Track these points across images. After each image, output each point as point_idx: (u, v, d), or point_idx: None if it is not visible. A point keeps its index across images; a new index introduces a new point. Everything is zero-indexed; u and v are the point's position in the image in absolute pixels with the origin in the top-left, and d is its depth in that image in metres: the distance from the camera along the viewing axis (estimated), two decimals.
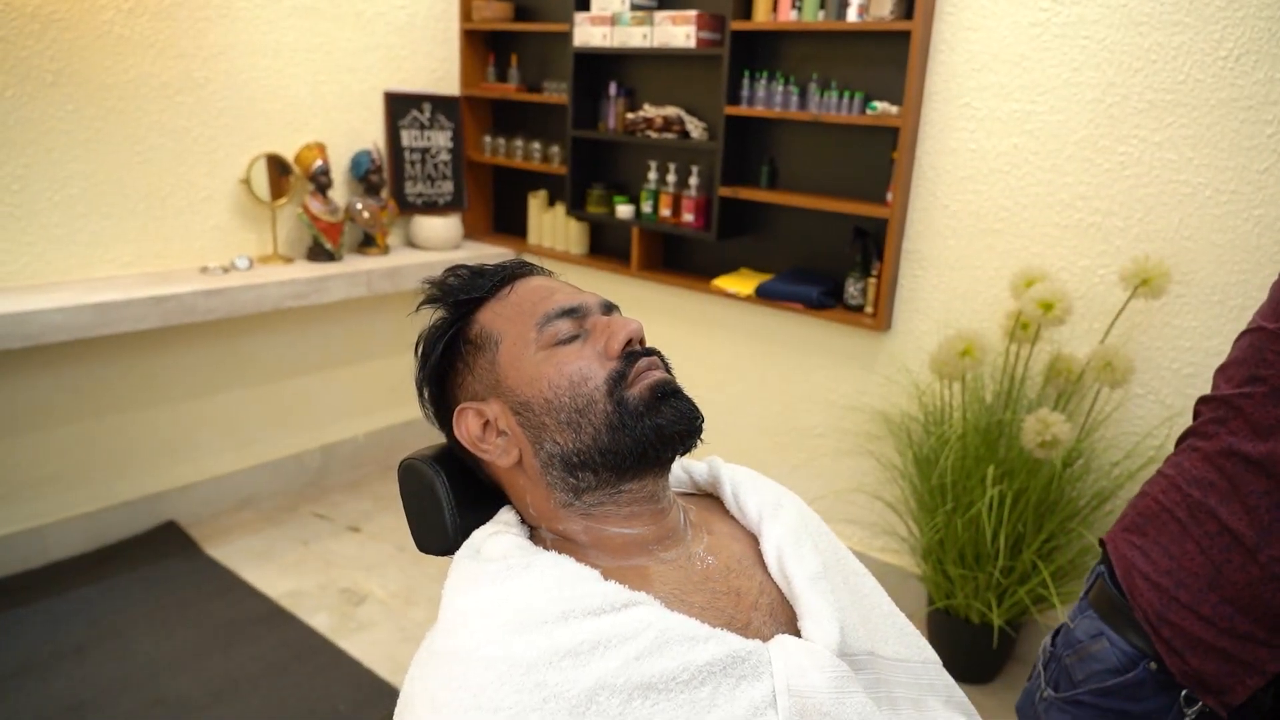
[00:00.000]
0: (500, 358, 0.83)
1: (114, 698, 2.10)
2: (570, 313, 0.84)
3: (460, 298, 0.87)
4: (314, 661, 2.30)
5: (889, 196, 2.47)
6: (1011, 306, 2.22)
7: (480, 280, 0.89)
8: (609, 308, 0.89)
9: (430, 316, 0.90)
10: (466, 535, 0.85)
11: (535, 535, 0.85)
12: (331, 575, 2.70)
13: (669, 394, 0.81)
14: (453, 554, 0.85)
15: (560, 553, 0.79)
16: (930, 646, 0.94)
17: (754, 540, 0.89)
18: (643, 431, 0.79)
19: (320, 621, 2.46)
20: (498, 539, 0.79)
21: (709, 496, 0.97)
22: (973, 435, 2.24)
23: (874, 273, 2.55)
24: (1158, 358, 2.16)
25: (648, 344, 0.87)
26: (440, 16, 3.33)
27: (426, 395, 0.90)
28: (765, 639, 0.77)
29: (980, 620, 2.23)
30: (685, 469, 0.99)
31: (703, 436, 0.83)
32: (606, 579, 0.75)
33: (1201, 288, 2.07)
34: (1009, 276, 2.24)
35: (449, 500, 0.87)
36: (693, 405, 0.83)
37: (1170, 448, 2.14)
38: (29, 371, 2.51)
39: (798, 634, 0.79)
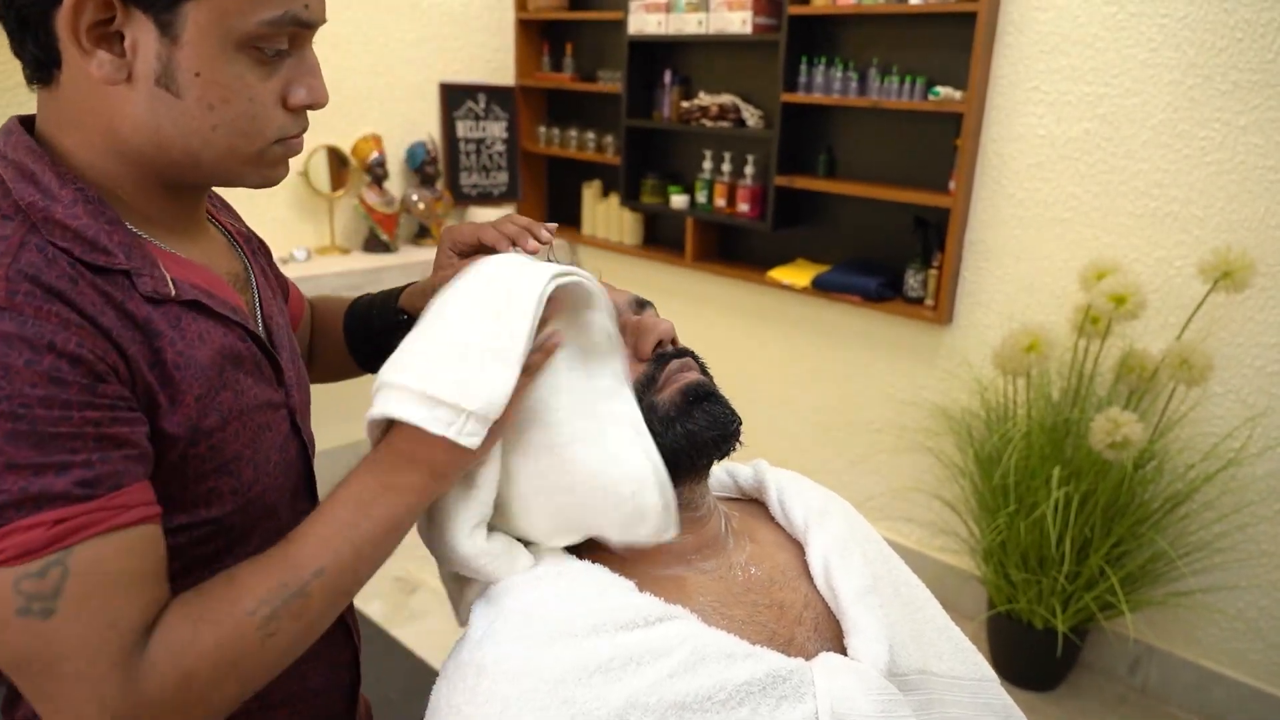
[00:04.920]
0: None
1: None
2: None
3: None
4: (367, 649, 2.31)
5: (951, 185, 2.38)
6: (1080, 300, 2.12)
7: None
8: (640, 305, 0.86)
9: None
10: None
11: None
12: (385, 564, 2.73)
13: (702, 397, 0.78)
14: None
15: (594, 561, 0.76)
16: (987, 663, 0.89)
17: (800, 549, 0.85)
18: (674, 439, 0.75)
19: (374, 610, 2.49)
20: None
21: (754, 502, 0.93)
22: (1038, 434, 2.15)
23: (935, 264, 2.47)
24: (1240, 354, 2.04)
25: (685, 340, 0.83)
26: (495, 6, 3.32)
27: None
28: (809, 656, 0.73)
29: (1044, 626, 2.15)
30: (729, 473, 0.96)
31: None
32: (642, 590, 0.72)
33: None
34: (1078, 268, 2.14)
35: None
36: (728, 409, 0.79)
37: (1252, 449, 2.03)
38: None
39: (844, 651, 0.76)
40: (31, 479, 0.54)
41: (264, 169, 0.69)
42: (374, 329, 0.97)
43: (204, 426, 0.66)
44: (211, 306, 0.68)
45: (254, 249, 0.85)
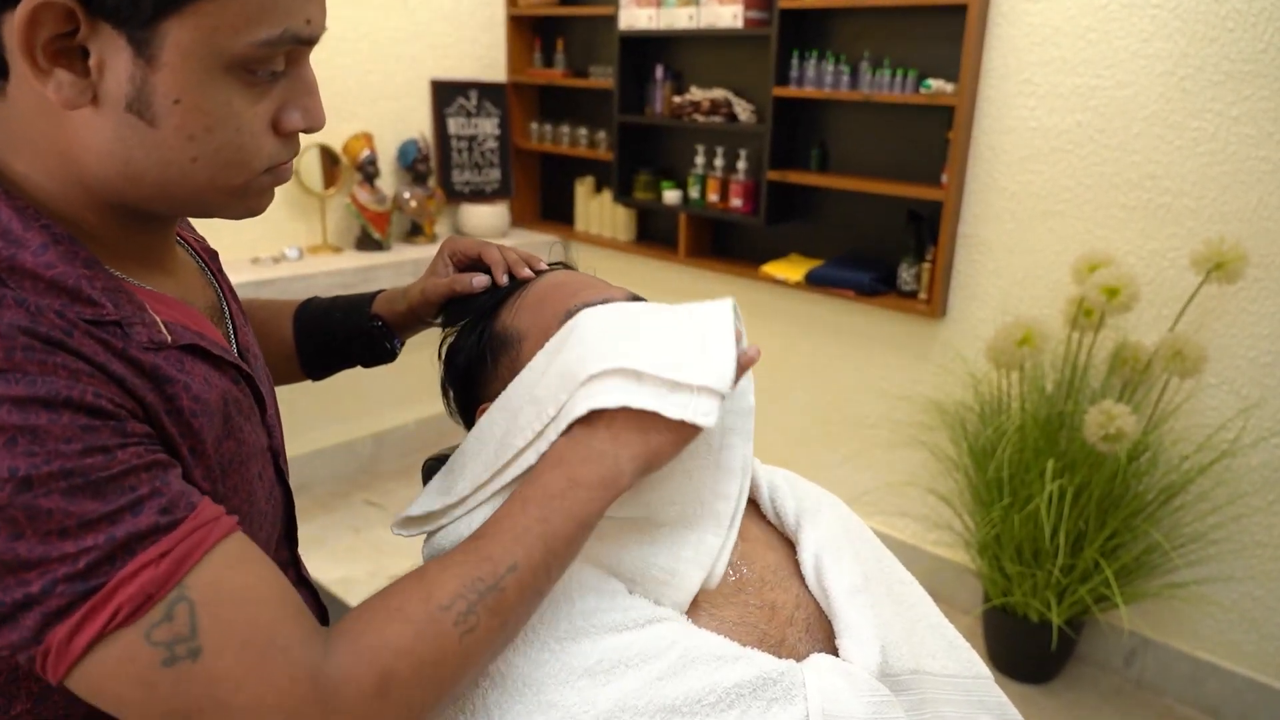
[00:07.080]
0: (523, 357, 0.80)
1: None
2: None
3: (485, 299, 0.85)
4: None
5: (944, 178, 2.38)
6: (1073, 292, 2.11)
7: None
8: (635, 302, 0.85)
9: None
10: None
11: None
12: (382, 563, 2.72)
13: None
14: None
15: (583, 561, 0.75)
16: (981, 661, 0.88)
17: (791, 548, 0.84)
18: None
19: None
20: None
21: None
22: (1032, 427, 2.15)
23: (928, 257, 2.47)
24: (1233, 346, 2.04)
25: None
26: (486, 2, 3.31)
27: (451, 396, 0.87)
28: (801, 657, 0.73)
29: (1039, 619, 2.15)
30: None
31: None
32: (631, 591, 0.71)
33: None
34: (1071, 261, 2.14)
35: None
36: None
37: (1246, 440, 2.03)
38: None
39: (836, 651, 0.75)
40: (111, 527, 0.48)
41: (248, 200, 0.62)
42: (334, 334, 0.94)
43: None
44: (208, 349, 0.61)
45: (218, 267, 0.77)
